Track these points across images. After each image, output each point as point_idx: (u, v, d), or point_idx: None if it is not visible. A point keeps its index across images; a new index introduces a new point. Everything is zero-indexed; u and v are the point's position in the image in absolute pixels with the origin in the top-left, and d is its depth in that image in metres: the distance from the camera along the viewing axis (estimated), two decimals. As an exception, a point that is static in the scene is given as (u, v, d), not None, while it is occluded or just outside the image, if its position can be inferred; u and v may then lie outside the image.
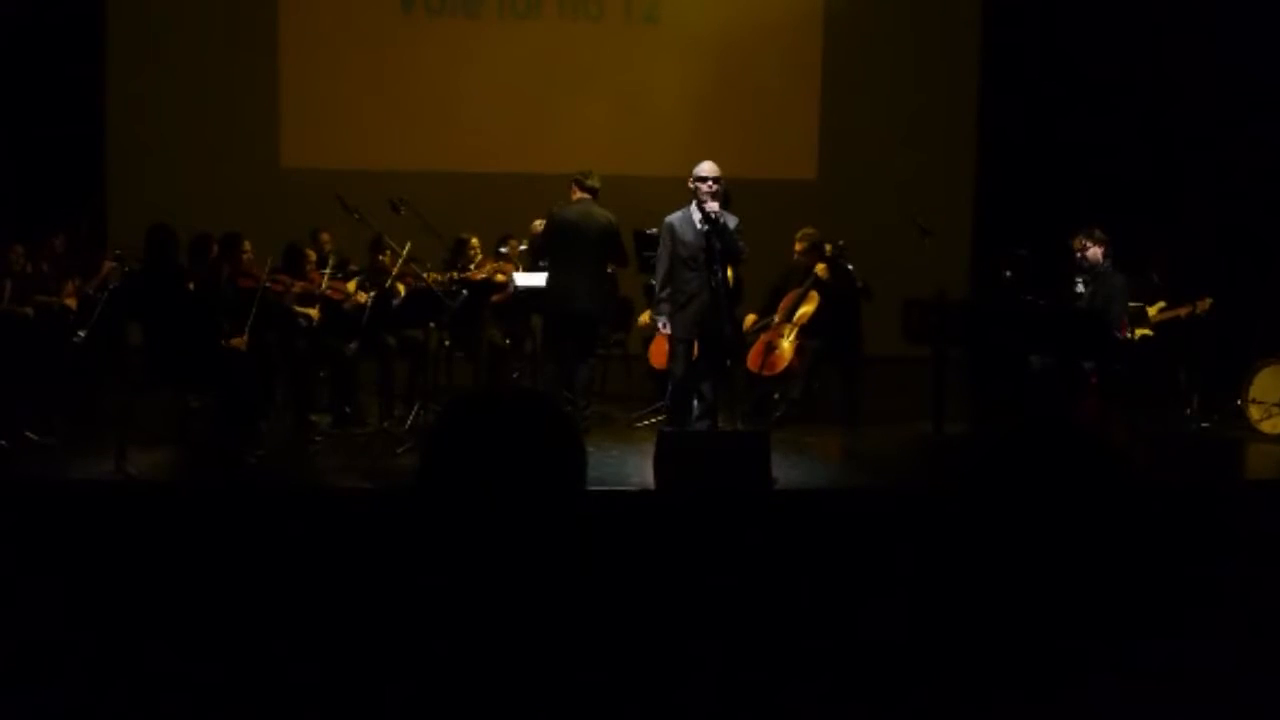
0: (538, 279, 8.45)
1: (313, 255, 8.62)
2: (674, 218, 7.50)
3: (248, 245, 8.28)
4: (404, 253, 8.07)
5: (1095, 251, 8.13)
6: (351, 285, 8.44)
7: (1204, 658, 1.85)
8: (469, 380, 8.75)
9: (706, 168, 7.41)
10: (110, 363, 8.30)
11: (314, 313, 8.10)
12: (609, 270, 8.50)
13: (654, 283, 7.82)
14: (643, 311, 9.24)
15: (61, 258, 8.92)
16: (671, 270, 7.49)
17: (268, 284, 7.85)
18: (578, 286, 7.99)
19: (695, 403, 7.58)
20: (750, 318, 8.97)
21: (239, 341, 7.38)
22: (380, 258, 8.63)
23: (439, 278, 8.18)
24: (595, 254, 8.07)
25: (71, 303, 8.33)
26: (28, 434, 7.37)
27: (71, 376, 8.04)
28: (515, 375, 8.61)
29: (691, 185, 7.41)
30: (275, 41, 12.07)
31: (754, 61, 12.19)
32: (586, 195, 8.13)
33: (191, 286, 7.47)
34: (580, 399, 8.07)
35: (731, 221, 7.41)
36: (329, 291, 8.27)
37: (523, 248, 9.16)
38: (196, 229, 8.33)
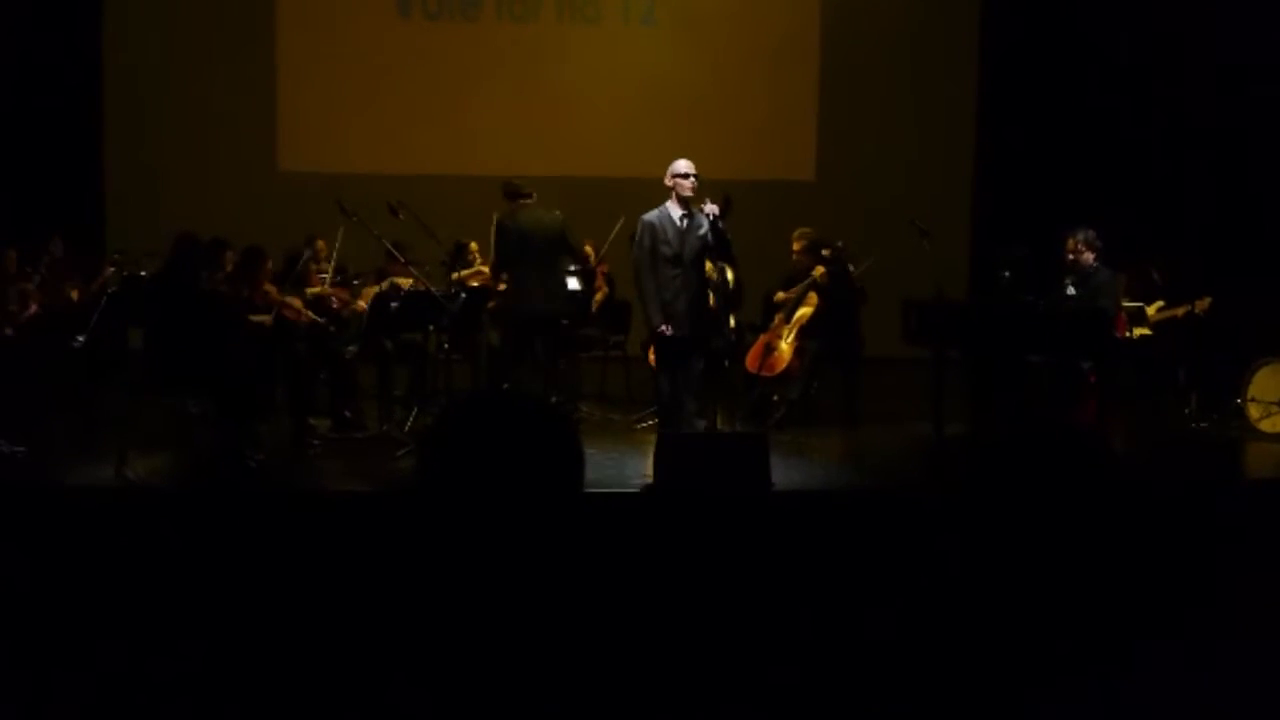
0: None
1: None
2: (651, 216, 7.33)
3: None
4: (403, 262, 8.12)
5: (1088, 256, 8.15)
6: (362, 300, 8.42)
7: (1203, 656, 1.85)
8: (468, 383, 8.75)
9: (684, 164, 7.30)
10: (111, 367, 8.29)
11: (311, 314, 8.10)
12: (581, 268, 8.68)
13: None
14: (641, 314, 9.21)
15: (59, 262, 8.92)
16: (655, 270, 7.31)
17: (282, 309, 7.91)
18: (536, 290, 8.11)
19: (686, 403, 7.46)
20: (780, 295, 8.90)
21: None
22: (393, 270, 8.55)
23: (413, 279, 8.18)
24: (550, 256, 8.21)
25: (75, 294, 8.33)
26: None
27: (71, 381, 8.03)
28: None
29: (670, 182, 7.31)
30: (273, 45, 12.10)
31: (752, 63, 12.22)
32: (528, 200, 8.20)
33: (202, 293, 7.47)
34: (559, 395, 8.07)
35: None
36: (332, 295, 8.28)
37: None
38: (193, 233, 8.31)
